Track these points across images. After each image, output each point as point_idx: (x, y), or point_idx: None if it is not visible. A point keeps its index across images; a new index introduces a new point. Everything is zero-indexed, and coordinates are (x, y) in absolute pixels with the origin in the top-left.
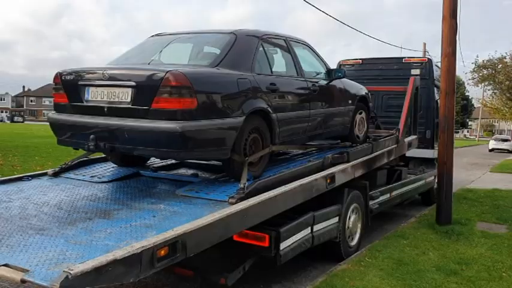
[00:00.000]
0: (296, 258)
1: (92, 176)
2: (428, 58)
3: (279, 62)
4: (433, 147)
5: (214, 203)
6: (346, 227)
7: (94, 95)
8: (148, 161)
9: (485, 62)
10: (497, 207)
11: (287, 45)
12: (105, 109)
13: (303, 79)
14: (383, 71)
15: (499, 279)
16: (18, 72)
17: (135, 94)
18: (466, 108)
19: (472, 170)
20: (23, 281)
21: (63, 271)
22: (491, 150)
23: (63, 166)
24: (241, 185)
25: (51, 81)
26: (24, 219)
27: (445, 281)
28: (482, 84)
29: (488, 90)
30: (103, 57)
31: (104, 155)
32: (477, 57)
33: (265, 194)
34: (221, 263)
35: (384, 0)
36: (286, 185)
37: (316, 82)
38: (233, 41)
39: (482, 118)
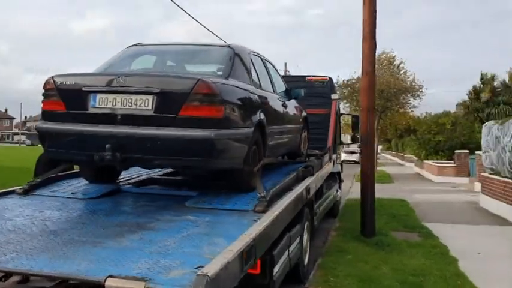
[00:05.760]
0: None
1: (73, 193)
2: (329, 77)
3: (263, 78)
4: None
5: (241, 213)
6: (303, 246)
7: (103, 102)
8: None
9: (345, 81)
10: (394, 216)
11: (263, 62)
12: (118, 117)
13: (278, 96)
14: None
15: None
16: None
17: (159, 101)
18: (356, 125)
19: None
20: None
21: (198, 274)
22: (343, 161)
23: (32, 183)
24: (262, 194)
25: None
26: (58, 235)
27: None
28: (343, 102)
29: (350, 108)
30: None
31: (62, 172)
32: (338, 76)
33: (283, 201)
34: None
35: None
36: (291, 194)
37: (284, 100)
38: (232, 54)
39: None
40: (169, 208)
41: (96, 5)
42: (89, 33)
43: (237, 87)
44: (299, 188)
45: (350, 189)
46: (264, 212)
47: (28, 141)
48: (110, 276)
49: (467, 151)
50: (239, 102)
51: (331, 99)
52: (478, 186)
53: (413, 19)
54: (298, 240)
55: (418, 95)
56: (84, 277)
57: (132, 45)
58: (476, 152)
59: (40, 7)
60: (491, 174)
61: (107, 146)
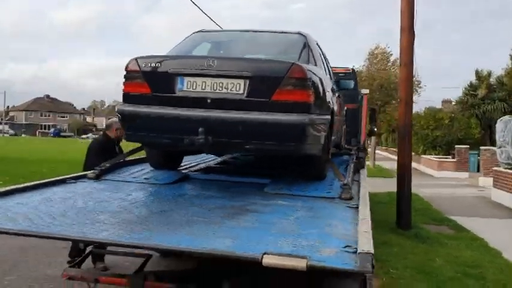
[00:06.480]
0: None
1: (146, 178)
2: (352, 68)
3: (325, 66)
4: None
5: (327, 200)
6: None
7: (191, 86)
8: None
9: None
10: (416, 210)
11: (320, 50)
12: (208, 101)
13: (334, 85)
14: None
15: None
16: None
17: (251, 85)
18: (373, 117)
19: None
20: (311, 268)
21: (360, 253)
22: None
23: (103, 168)
24: (345, 181)
25: None
26: (171, 216)
27: (491, 286)
28: None
29: None
30: None
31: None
32: None
33: (363, 190)
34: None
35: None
36: (363, 184)
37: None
38: (305, 41)
39: None
40: (253, 193)
41: None
42: (70, 23)
43: (318, 73)
44: (363, 178)
45: None
46: (350, 199)
47: (12, 131)
48: (266, 253)
49: (467, 146)
50: (322, 89)
51: (361, 94)
52: (482, 181)
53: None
54: None
55: (416, 90)
56: (240, 254)
57: (198, 32)
58: (481, 148)
59: None
60: (507, 168)
61: (200, 129)
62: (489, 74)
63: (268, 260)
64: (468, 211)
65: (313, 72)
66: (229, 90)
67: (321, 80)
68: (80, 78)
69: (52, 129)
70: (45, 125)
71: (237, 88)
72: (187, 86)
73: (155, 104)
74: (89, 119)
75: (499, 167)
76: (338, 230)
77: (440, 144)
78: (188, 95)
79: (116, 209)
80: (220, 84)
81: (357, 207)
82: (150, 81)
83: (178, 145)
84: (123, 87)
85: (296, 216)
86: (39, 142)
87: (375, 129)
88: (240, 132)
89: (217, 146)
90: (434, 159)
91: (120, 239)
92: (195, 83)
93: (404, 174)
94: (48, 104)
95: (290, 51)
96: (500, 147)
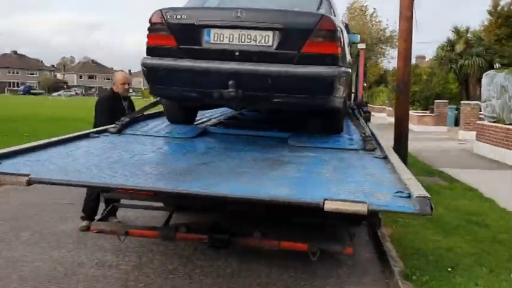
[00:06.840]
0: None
1: (167, 132)
2: (345, 22)
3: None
4: None
5: (352, 151)
6: None
7: (218, 38)
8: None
9: None
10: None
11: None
12: (236, 53)
13: None
14: None
15: None
16: None
17: (281, 38)
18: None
19: None
20: (372, 212)
21: (418, 197)
22: None
23: (123, 123)
24: (367, 134)
25: None
26: (214, 167)
27: (496, 233)
28: None
29: None
30: None
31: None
32: None
33: (381, 140)
34: (328, 234)
35: None
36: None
37: None
38: None
39: None
40: (278, 146)
41: None
42: None
43: (341, 26)
44: (375, 131)
45: None
46: (373, 150)
47: None
48: (326, 199)
49: (446, 101)
50: (345, 41)
51: (358, 48)
52: (462, 134)
53: None
54: None
55: (397, 45)
56: (303, 200)
57: None
58: (462, 102)
59: None
60: (491, 122)
61: (230, 82)
62: (467, 30)
63: (330, 206)
64: (454, 163)
65: (338, 25)
66: (257, 43)
67: (342, 32)
68: (48, 34)
69: (22, 87)
70: (13, 82)
71: (266, 40)
72: (214, 39)
73: (181, 57)
74: (59, 76)
75: (482, 120)
76: (380, 178)
77: (419, 99)
78: (215, 47)
79: (156, 161)
80: (249, 36)
81: (385, 158)
82: (176, 33)
83: (206, 99)
84: (147, 39)
85: (334, 165)
86: (9, 100)
87: (365, 84)
88: (269, 86)
89: (247, 100)
90: (414, 114)
91: (181, 187)
92: (222, 35)
93: (401, 131)
94: (15, 61)
95: (310, 4)
96: (485, 101)
